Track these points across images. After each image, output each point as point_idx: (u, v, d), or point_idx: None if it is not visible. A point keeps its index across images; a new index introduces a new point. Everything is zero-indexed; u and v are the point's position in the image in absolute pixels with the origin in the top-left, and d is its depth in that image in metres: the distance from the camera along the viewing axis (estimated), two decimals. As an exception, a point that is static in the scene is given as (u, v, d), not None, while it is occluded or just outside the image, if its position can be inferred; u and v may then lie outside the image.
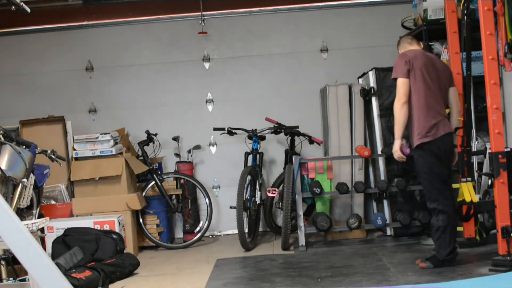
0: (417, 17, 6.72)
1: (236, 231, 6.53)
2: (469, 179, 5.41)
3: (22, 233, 2.60)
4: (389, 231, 6.67)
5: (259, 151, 7.02)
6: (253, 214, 6.73)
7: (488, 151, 5.28)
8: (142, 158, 7.09)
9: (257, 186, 6.77)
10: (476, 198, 5.37)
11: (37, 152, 5.44)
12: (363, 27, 7.75)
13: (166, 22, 7.86)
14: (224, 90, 7.83)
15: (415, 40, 5.40)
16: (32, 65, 7.76)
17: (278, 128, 7.10)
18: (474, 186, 5.74)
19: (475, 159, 5.81)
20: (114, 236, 5.95)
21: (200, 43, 7.82)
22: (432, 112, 5.01)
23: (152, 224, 6.99)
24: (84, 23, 7.78)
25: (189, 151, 7.54)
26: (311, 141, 7.09)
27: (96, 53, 7.80)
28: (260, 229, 7.12)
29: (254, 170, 6.76)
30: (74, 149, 6.79)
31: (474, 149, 5.78)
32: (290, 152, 7.12)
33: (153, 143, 7.16)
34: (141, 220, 6.92)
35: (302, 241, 6.31)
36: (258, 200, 6.74)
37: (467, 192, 5.34)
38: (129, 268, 5.61)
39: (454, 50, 5.84)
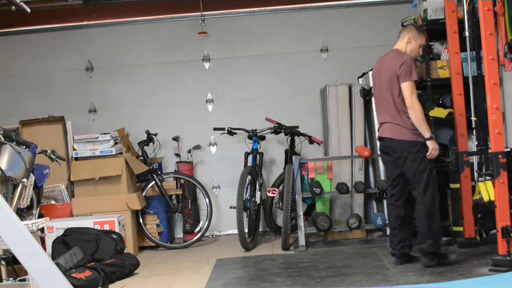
0: (417, 17, 6.72)
1: (236, 231, 6.53)
2: (488, 178, 5.18)
3: (22, 233, 2.59)
4: (389, 231, 6.66)
5: (259, 151, 7.02)
6: (253, 214, 6.72)
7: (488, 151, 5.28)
8: (142, 158, 7.10)
9: (257, 186, 6.77)
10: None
11: (37, 152, 5.44)
12: (363, 27, 7.75)
13: (166, 22, 7.86)
14: (224, 90, 7.83)
15: (400, 37, 5.45)
16: (32, 65, 7.76)
17: (278, 128, 7.10)
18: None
19: (475, 159, 5.81)
20: (114, 236, 5.95)
21: (200, 43, 7.82)
22: (378, 118, 5.47)
23: (152, 224, 6.99)
24: (84, 23, 7.79)
25: (189, 151, 7.54)
26: (311, 141, 7.09)
27: (96, 53, 7.80)
28: (260, 229, 7.12)
29: (254, 170, 6.76)
30: (74, 149, 6.79)
31: (474, 149, 5.78)
32: (290, 152, 7.12)
33: (153, 143, 7.16)
34: (141, 220, 6.92)
35: (302, 241, 6.31)
36: (258, 200, 6.74)
37: (485, 191, 5.18)
38: (129, 268, 5.61)
39: (454, 50, 5.84)
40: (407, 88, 5.10)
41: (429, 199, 5.12)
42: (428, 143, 5.11)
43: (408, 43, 5.33)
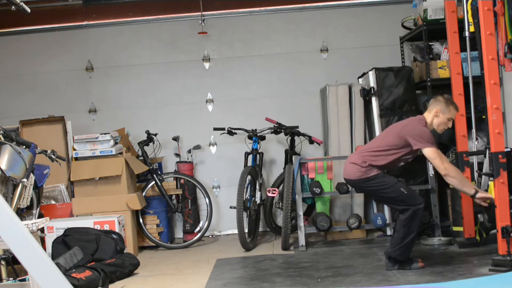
0: (417, 17, 6.72)
1: (236, 231, 6.52)
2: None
3: (22, 233, 2.59)
4: (389, 231, 6.66)
5: (259, 151, 7.02)
6: (253, 214, 6.72)
7: (488, 151, 5.28)
8: (142, 158, 7.09)
9: (257, 186, 6.77)
10: None
11: (37, 152, 5.44)
12: (363, 27, 7.75)
13: (166, 22, 7.85)
14: (224, 90, 7.83)
15: (428, 109, 5.20)
16: (32, 65, 7.76)
17: (278, 128, 7.10)
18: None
19: (475, 159, 5.81)
20: (114, 236, 5.95)
21: (200, 43, 7.81)
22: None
23: (152, 224, 6.99)
24: (84, 23, 7.79)
25: (189, 151, 7.54)
26: (311, 141, 7.09)
27: (96, 53, 7.80)
28: (260, 229, 7.12)
29: (254, 170, 6.75)
30: (74, 149, 6.79)
31: (474, 149, 5.78)
32: (290, 152, 7.12)
33: (153, 143, 7.16)
34: (141, 220, 6.91)
35: (302, 241, 6.31)
36: (258, 200, 6.74)
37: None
38: (129, 268, 5.61)
39: (454, 50, 5.84)
40: (432, 154, 4.98)
41: (410, 213, 5.04)
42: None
43: (436, 117, 5.11)
